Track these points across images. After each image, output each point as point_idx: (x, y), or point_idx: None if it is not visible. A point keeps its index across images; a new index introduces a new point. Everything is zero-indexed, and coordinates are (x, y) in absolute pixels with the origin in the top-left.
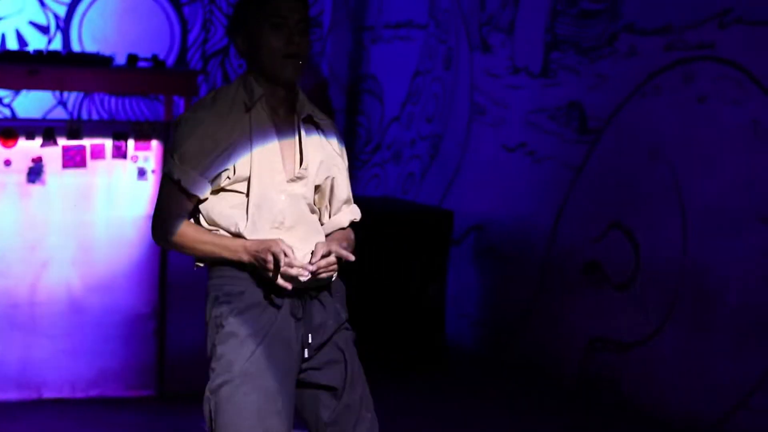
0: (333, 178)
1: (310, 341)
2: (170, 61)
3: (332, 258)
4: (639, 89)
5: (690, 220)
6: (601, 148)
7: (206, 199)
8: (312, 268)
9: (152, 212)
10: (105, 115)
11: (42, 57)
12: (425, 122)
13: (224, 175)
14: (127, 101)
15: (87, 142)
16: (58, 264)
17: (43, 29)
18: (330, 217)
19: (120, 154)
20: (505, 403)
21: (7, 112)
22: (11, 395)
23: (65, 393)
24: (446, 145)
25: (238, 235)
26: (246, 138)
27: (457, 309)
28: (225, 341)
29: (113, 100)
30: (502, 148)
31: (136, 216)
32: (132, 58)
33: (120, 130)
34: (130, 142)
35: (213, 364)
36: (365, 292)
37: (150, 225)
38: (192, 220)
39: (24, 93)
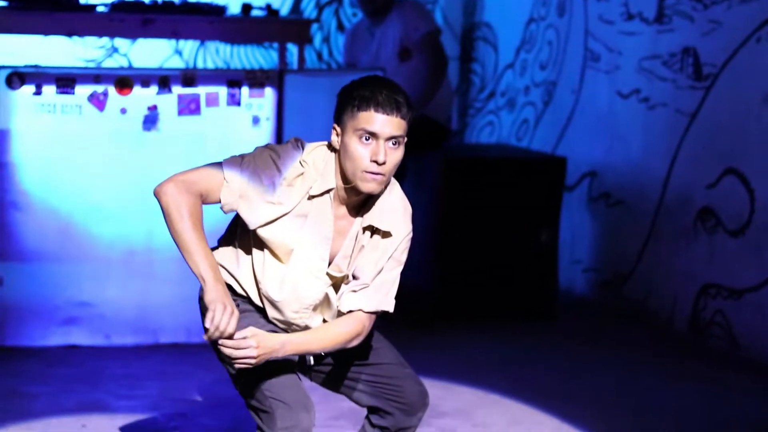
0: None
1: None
2: (284, 9)
3: (241, 353)
4: (754, 35)
5: None
6: (715, 94)
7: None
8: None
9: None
10: (220, 64)
11: (157, 6)
12: (539, 69)
13: (250, 224)
14: (241, 50)
15: (201, 90)
16: None
17: None
18: (344, 293)
19: (234, 101)
20: (617, 349)
21: (123, 61)
22: (128, 340)
23: (181, 338)
24: (560, 92)
25: (265, 296)
26: (299, 218)
27: (569, 255)
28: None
29: (228, 49)
30: (616, 95)
31: None
32: (246, 7)
33: (234, 78)
34: (244, 90)
35: None
36: (478, 239)
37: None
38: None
39: (140, 42)
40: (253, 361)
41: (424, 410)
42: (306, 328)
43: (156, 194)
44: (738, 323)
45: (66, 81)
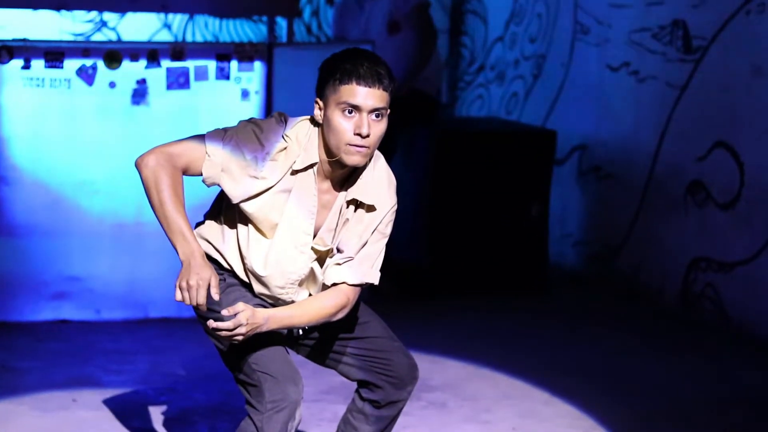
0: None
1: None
2: None
3: (225, 324)
4: (743, 7)
5: None
6: (704, 67)
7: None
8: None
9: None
10: (209, 38)
11: None
12: (529, 42)
13: (232, 198)
14: (230, 23)
15: (190, 64)
16: None
17: None
18: (328, 266)
19: (223, 75)
20: (608, 323)
21: (112, 35)
22: (118, 315)
23: (171, 312)
24: (550, 65)
25: (251, 271)
26: (283, 193)
27: (560, 229)
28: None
29: (217, 23)
30: (606, 68)
31: None
32: None
33: (223, 52)
34: (233, 64)
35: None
36: (468, 213)
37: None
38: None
39: (129, 16)
40: (240, 337)
41: (414, 384)
42: (291, 303)
43: (137, 166)
44: (728, 296)
45: (55, 55)
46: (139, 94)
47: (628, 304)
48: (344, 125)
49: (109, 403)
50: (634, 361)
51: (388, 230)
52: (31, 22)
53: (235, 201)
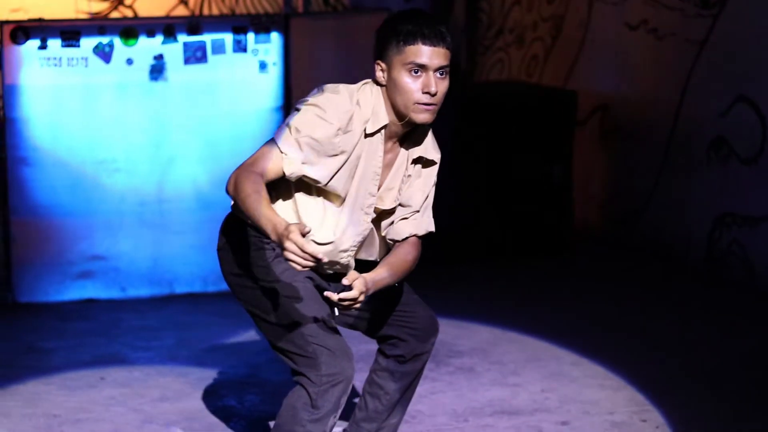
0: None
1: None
2: None
3: (357, 298)
4: None
5: None
6: (723, 21)
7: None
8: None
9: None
10: (226, 12)
11: None
12: (546, 4)
13: (321, 181)
14: None
15: (207, 38)
16: (184, 160)
17: None
18: (393, 222)
19: (240, 48)
20: (634, 284)
21: (129, 13)
22: (144, 292)
23: (196, 288)
24: (568, 26)
25: (322, 242)
26: (355, 159)
27: (583, 190)
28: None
29: None
30: (625, 27)
31: (259, 109)
32: None
33: (239, 25)
34: (250, 36)
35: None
36: (491, 177)
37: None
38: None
39: None
40: (359, 304)
41: (436, 335)
42: (346, 266)
43: (228, 192)
44: (754, 251)
45: (71, 34)
46: (157, 69)
47: (654, 264)
48: (412, 85)
49: (136, 380)
50: (660, 320)
51: (435, 177)
52: (47, 2)
53: (322, 183)
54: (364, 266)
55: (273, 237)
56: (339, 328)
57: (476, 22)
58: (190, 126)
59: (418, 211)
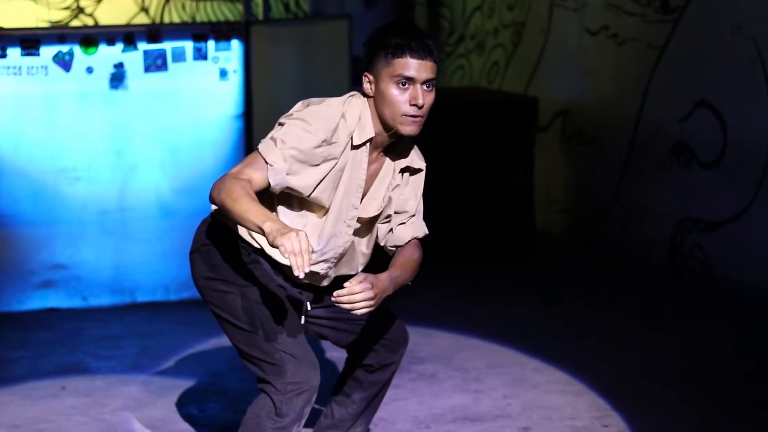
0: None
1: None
2: None
3: (357, 297)
4: None
5: None
6: (683, 26)
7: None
8: (307, 269)
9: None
10: (186, 19)
11: None
12: (507, 10)
13: (304, 192)
14: (207, 4)
15: (167, 46)
16: (145, 168)
17: None
18: (392, 230)
19: (201, 55)
20: (597, 288)
21: (89, 21)
22: (105, 300)
23: (158, 296)
24: (529, 32)
25: None
26: (339, 170)
27: (545, 196)
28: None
29: (194, 4)
30: (585, 32)
31: (220, 116)
32: None
33: (199, 32)
34: (211, 44)
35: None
36: (453, 184)
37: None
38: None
39: (106, 2)
40: (372, 301)
41: (406, 346)
42: (324, 277)
43: (212, 200)
44: (715, 255)
45: (30, 43)
46: (117, 78)
47: (616, 268)
48: (399, 97)
49: (98, 389)
50: (623, 324)
51: (422, 183)
52: (6, 11)
53: (306, 194)
54: (342, 281)
55: (269, 231)
56: (308, 337)
57: (437, 29)
58: (151, 134)
59: (413, 215)
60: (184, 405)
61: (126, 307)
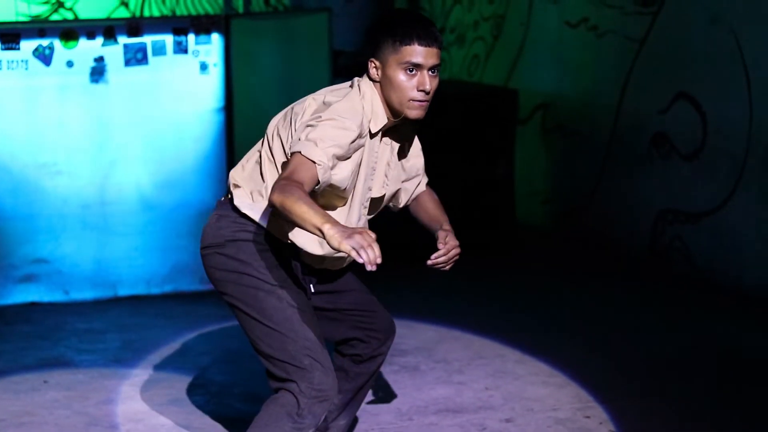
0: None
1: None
2: None
3: (454, 251)
4: None
5: (755, 87)
6: (662, 18)
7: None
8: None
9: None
10: (167, 13)
11: None
12: (487, 3)
13: (341, 185)
14: None
15: (148, 39)
16: (126, 162)
17: None
18: (412, 192)
19: (181, 49)
20: (578, 279)
21: (69, 15)
22: (87, 294)
23: (140, 290)
24: (509, 25)
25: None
26: (359, 158)
27: (527, 188)
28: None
29: None
30: (565, 25)
31: (201, 110)
32: None
33: (180, 26)
34: (191, 37)
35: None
36: (434, 176)
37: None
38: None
39: None
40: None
41: (393, 338)
42: (345, 260)
43: (272, 205)
44: (696, 246)
45: (10, 37)
46: (98, 72)
47: (598, 259)
48: (407, 83)
49: (80, 382)
50: (604, 315)
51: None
52: None
53: (343, 186)
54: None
55: (330, 235)
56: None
57: None
58: (131, 128)
59: (421, 173)
60: (167, 398)
61: (108, 300)
